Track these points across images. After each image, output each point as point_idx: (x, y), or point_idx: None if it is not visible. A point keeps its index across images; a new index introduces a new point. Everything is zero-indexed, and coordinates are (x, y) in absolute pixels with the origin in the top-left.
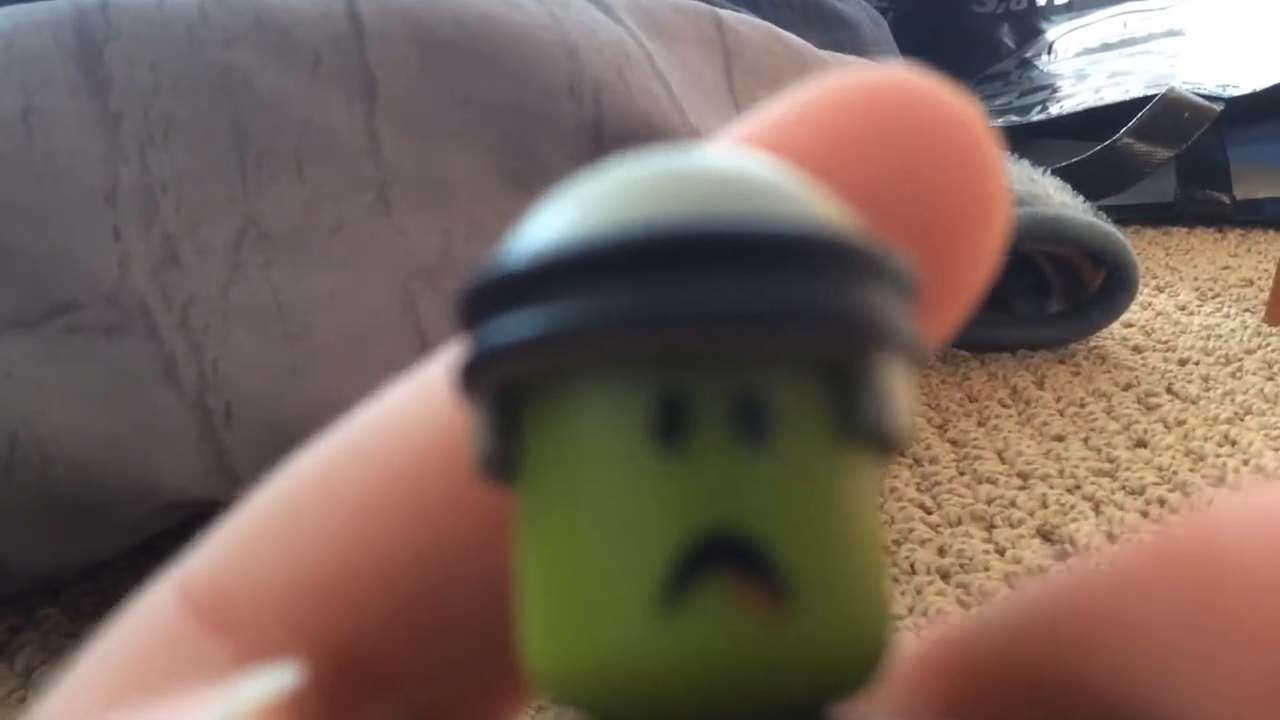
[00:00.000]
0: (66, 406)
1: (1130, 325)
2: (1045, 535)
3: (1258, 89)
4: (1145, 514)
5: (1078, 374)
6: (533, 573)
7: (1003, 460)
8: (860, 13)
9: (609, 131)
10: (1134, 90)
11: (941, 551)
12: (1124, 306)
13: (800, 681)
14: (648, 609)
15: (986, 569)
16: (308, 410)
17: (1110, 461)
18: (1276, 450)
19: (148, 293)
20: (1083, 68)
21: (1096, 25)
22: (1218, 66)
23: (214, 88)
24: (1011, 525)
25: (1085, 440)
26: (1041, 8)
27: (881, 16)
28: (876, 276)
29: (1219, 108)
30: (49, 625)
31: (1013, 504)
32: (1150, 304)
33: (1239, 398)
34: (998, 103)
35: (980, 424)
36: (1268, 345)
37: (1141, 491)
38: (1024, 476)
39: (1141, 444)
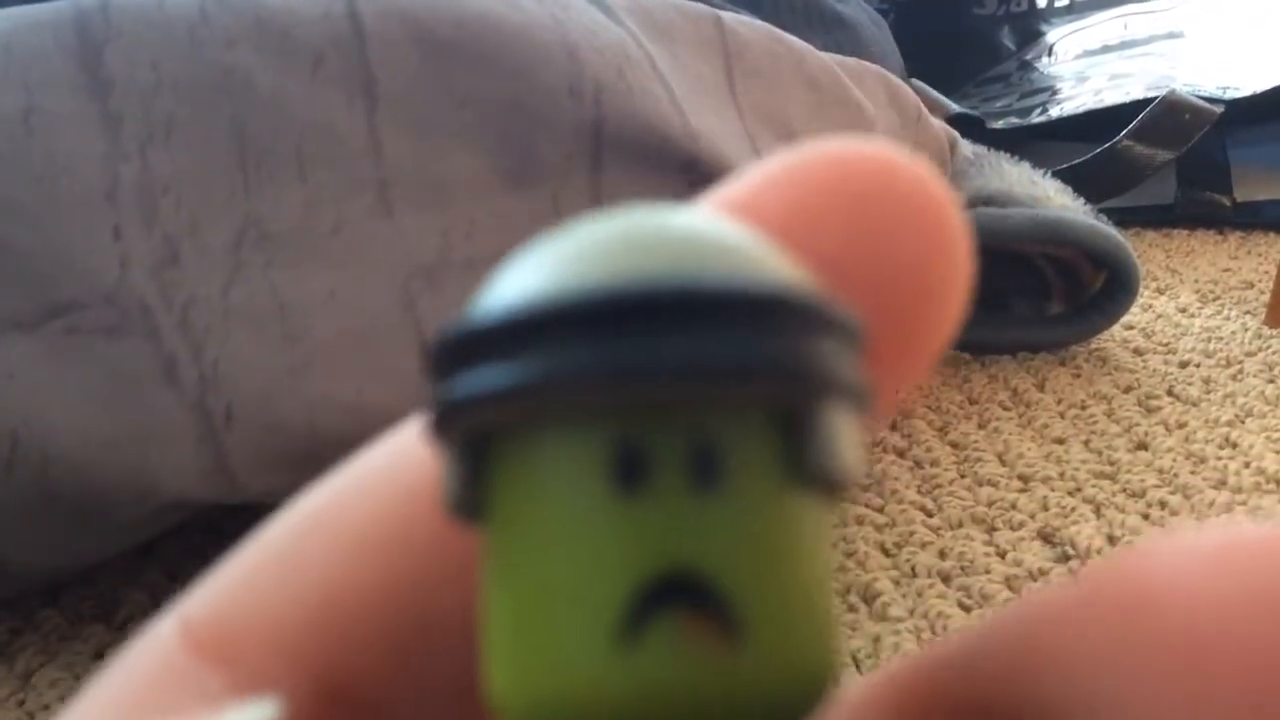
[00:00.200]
0: (66, 407)
1: (1131, 327)
2: (1046, 538)
3: (1258, 91)
4: (1146, 516)
5: (1078, 376)
6: (497, 609)
7: (1003, 463)
8: (861, 15)
9: (609, 132)
10: (1134, 92)
11: (942, 554)
12: (1124, 309)
13: (751, 710)
14: (606, 644)
15: (987, 572)
16: (308, 411)
17: (1111, 464)
18: (1277, 453)
19: (148, 293)
20: (1083, 70)
21: (1097, 27)
22: (1218, 68)
23: (214, 88)
24: (1012, 528)
25: (1086, 443)
26: (1042, 10)
27: (882, 18)
28: (822, 329)
29: (1219, 110)
30: (48, 628)
31: (1014, 506)
32: (1151, 306)
33: (1240, 400)
34: (998, 105)
35: (981, 426)
36: (1268, 348)
37: (1142, 494)
38: (1025, 479)
39: (1142, 446)
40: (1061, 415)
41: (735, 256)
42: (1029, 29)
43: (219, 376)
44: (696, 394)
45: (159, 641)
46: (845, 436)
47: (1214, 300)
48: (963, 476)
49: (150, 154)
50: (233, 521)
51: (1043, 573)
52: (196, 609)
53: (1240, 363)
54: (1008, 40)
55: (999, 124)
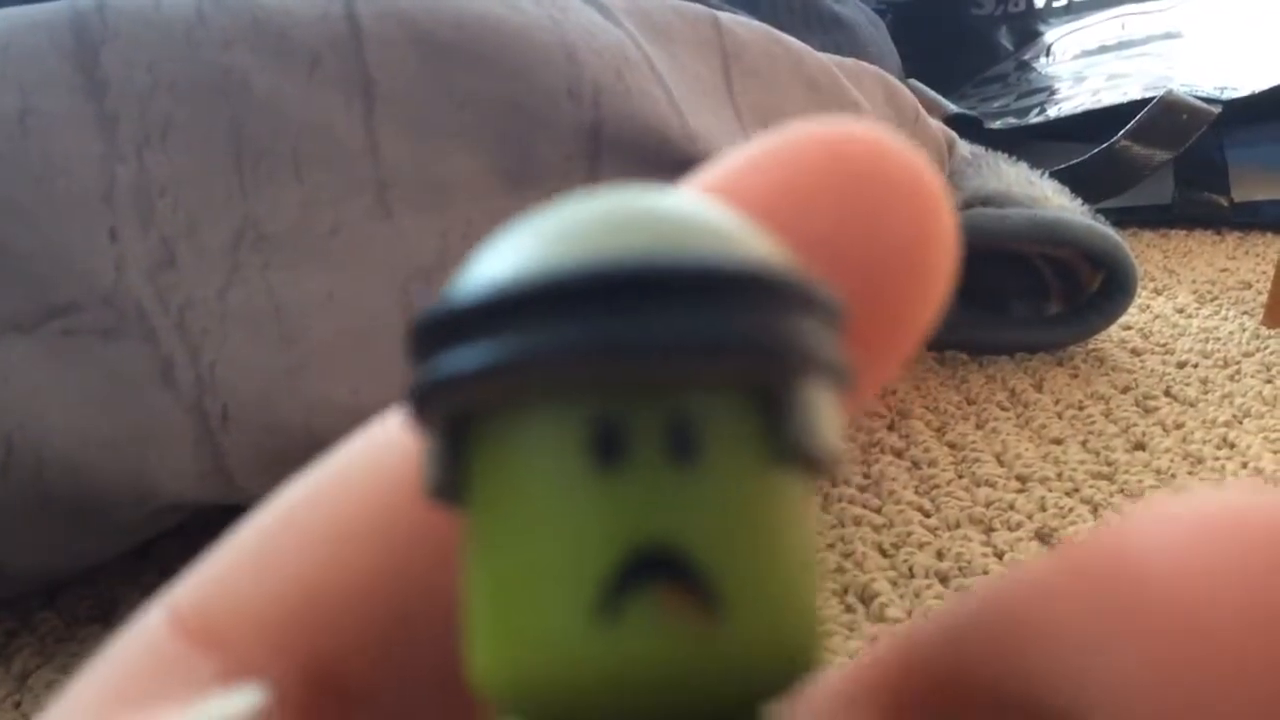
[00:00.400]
0: (63, 409)
1: (1128, 328)
2: (1044, 538)
3: (1256, 91)
4: None
5: (1076, 376)
6: (478, 589)
7: (1001, 463)
8: (859, 15)
9: (608, 133)
10: (1132, 92)
11: (940, 555)
12: (1122, 309)
13: (731, 684)
14: (586, 620)
15: (985, 572)
16: (306, 412)
17: (1109, 464)
18: (1275, 453)
19: (145, 295)
20: (1081, 70)
21: (1095, 27)
22: (1216, 69)
23: (212, 89)
24: (1010, 528)
25: (1084, 443)
26: (1040, 10)
27: (880, 19)
28: (800, 307)
29: (1217, 110)
30: (45, 629)
31: (1011, 507)
32: (1148, 306)
33: (1237, 400)
34: (996, 105)
35: (979, 426)
36: (1266, 348)
37: (1140, 494)
38: (1022, 479)
39: (1140, 447)
40: (1059, 416)
41: (714, 235)
42: (1027, 29)
43: (216, 378)
44: (674, 370)
45: (148, 629)
46: (825, 414)
47: (1211, 300)
48: (960, 477)
49: (147, 155)
50: (231, 522)
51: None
52: (185, 597)
53: (1238, 363)
54: (1005, 40)
55: (997, 124)
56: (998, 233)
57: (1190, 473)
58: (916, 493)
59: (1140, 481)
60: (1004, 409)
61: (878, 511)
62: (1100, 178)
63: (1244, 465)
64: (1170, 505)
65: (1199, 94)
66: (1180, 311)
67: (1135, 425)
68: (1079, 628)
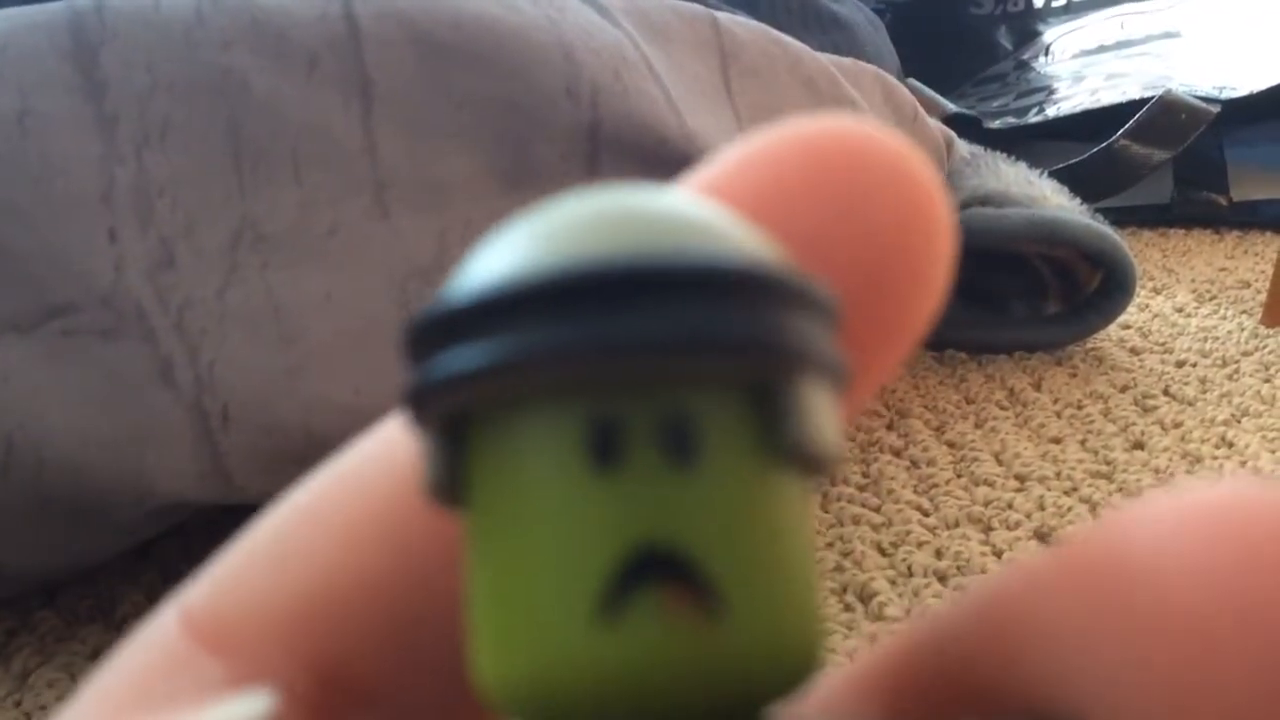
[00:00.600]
0: (63, 409)
1: (1127, 327)
2: (1042, 537)
3: (1254, 91)
4: None
5: (1075, 376)
6: (480, 591)
7: (1000, 462)
8: (857, 15)
9: (605, 133)
10: (1131, 92)
11: (939, 554)
12: (1121, 308)
13: (732, 685)
14: (586, 621)
15: (984, 571)
16: (304, 412)
17: (1107, 463)
18: (1273, 452)
19: (144, 295)
20: (1080, 69)
21: (1094, 27)
22: (1214, 68)
23: (210, 90)
24: (1009, 527)
25: (1082, 442)
26: (1039, 9)
27: (879, 18)
28: (795, 303)
29: (1216, 109)
30: (45, 629)
31: (1010, 506)
32: (1147, 306)
33: (1236, 399)
34: (995, 104)
35: (977, 426)
36: (1264, 347)
37: (1139, 493)
38: (1021, 478)
39: (1139, 446)
40: (1058, 415)
41: (708, 233)
42: (1026, 29)
43: (215, 378)
44: (669, 369)
45: (160, 630)
46: (822, 412)
47: (1210, 300)
48: (959, 476)
49: (146, 156)
50: (230, 522)
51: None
52: (196, 598)
53: (1236, 362)
54: (1004, 40)
55: (996, 124)
56: (996, 232)
57: (1189, 472)
58: (915, 491)
59: (1139, 480)
60: (1003, 408)
61: (876, 510)
62: (1099, 177)
63: (1242, 464)
64: (1163, 500)
65: (1198, 93)
66: (1179, 311)
67: (1134, 424)
68: (1073, 626)
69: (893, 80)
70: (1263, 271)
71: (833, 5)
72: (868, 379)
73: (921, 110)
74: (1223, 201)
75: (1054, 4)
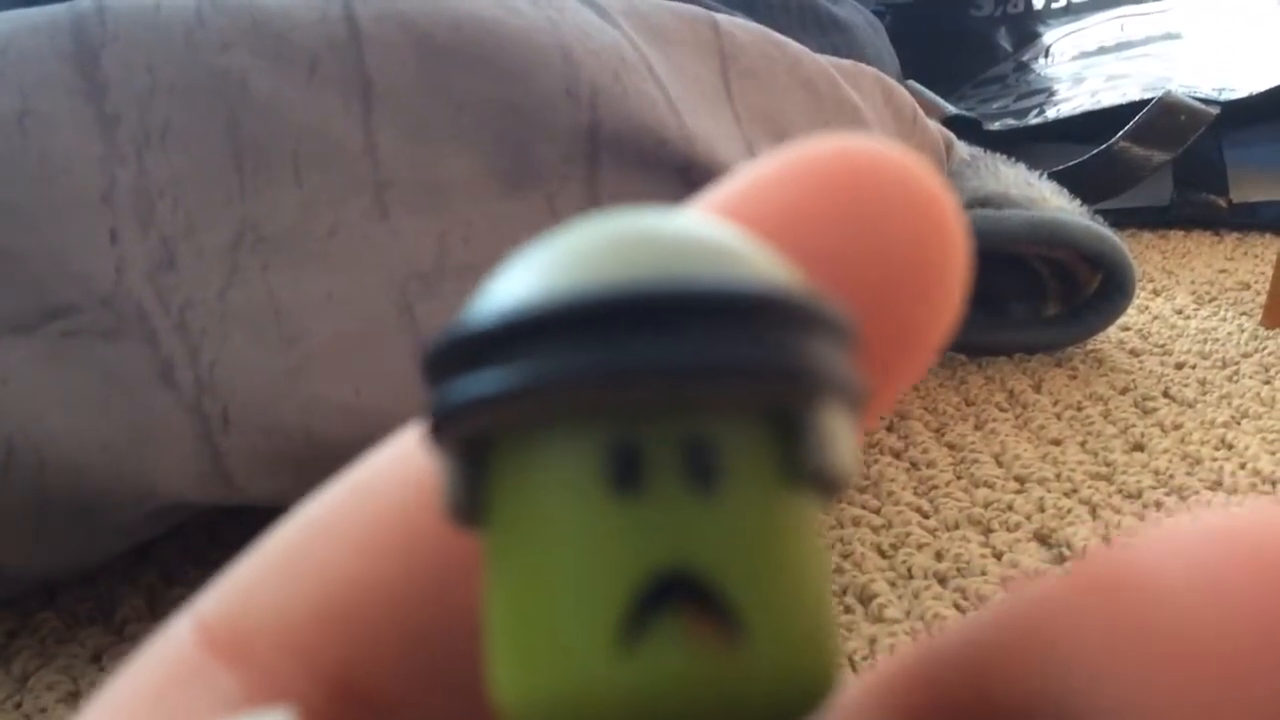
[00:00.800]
0: (63, 410)
1: (1127, 329)
2: (1042, 539)
3: (1254, 92)
4: (1142, 518)
5: (1074, 378)
6: (499, 612)
7: (1000, 464)
8: (857, 16)
9: (605, 135)
10: (1131, 94)
11: (939, 556)
12: (1120, 310)
13: (753, 708)
14: (607, 645)
15: (984, 573)
16: (305, 413)
17: (1107, 465)
18: (1272, 453)
19: (145, 296)
20: (1080, 71)
21: (1093, 29)
22: (1214, 70)
23: (211, 91)
24: (1009, 529)
25: (1082, 444)
26: (1039, 11)
27: (878, 20)
28: (814, 327)
29: (1215, 111)
30: (45, 630)
31: (1010, 508)
32: (1147, 307)
33: (1235, 401)
34: (995, 106)
35: (977, 428)
36: (1264, 349)
37: (1138, 495)
38: (1021, 480)
39: (1138, 447)
40: (1058, 417)
41: (727, 257)
42: (1026, 30)
43: (216, 379)
44: (690, 394)
45: (175, 640)
46: (841, 435)
47: (1210, 301)
48: (959, 478)
49: (146, 157)
50: (230, 523)
51: (1039, 574)
52: (211, 608)
53: (1236, 364)
54: (1004, 42)
55: (995, 125)
56: (996, 234)
57: (1188, 473)
58: (915, 493)
59: (1139, 482)
60: (1003, 410)
61: (877, 512)
62: (1099, 179)
63: (1242, 466)
64: (1183, 523)
65: (1198, 95)
66: (1179, 312)
67: (1134, 426)
68: (1093, 645)
69: (893, 82)
70: (1262, 273)
71: (832, 7)
72: (885, 395)
73: (921, 112)
74: (1222, 203)
75: (1054, 5)
